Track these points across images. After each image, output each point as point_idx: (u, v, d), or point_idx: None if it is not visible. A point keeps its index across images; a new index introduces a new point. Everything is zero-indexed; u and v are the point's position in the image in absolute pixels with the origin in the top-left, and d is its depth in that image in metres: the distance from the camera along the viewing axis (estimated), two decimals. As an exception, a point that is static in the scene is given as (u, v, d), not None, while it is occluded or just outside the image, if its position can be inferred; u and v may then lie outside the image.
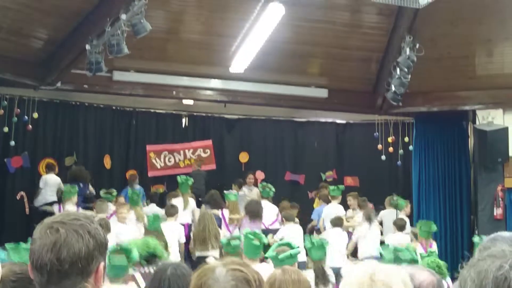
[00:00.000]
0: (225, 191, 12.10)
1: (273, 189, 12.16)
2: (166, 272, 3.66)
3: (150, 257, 6.32)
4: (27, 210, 12.00)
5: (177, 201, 11.37)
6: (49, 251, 2.06)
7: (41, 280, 2.10)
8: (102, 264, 2.17)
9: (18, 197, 12.05)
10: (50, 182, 11.96)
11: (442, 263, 7.04)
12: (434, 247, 10.64)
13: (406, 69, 10.40)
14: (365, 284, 1.91)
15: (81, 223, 2.14)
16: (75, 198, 11.20)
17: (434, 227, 10.58)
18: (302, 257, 7.70)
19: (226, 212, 11.43)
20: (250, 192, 13.34)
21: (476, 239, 6.30)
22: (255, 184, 13.55)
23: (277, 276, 3.71)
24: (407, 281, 1.94)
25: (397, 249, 6.67)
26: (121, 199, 11.75)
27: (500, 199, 12.05)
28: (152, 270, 6.19)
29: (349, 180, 14.65)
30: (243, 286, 2.01)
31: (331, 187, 12.41)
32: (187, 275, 3.63)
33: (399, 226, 10.68)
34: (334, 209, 11.53)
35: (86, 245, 2.09)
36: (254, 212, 10.69)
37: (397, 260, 6.25)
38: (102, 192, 12.00)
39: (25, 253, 6.04)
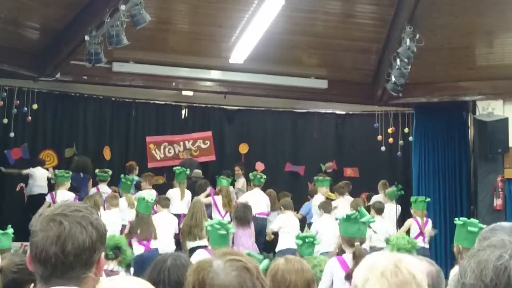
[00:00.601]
0: (217, 176, 12.16)
1: (264, 177, 12.16)
2: (166, 263, 3.64)
3: (116, 250, 6.35)
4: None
5: (174, 192, 11.44)
6: (53, 244, 2.05)
7: (43, 273, 2.08)
8: (103, 254, 2.17)
9: (17, 189, 12.06)
10: (36, 176, 11.95)
11: (410, 243, 7.06)
12: (429, 225, 10.75)
13: (406, 60, 10.37)
14: (389, 270, 1.98)
15: (83, 214, 2.13)
16: (68, 184, 11.15)
17: (428, 199, 11.11)
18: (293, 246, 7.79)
19: (218, 198, 11.47)
20: (237, 183, 13.33)
21: (457, 221, 6.29)
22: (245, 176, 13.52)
23: (280, 266, 3.69)
24: (424, 273, 2.05)
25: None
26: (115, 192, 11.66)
27: (500, 189, 12.05)
28: (119, 269, 6.17)
29: (349, 171, 14.68)
30: (245, 275, 2.00)
31: (317, 178, 12.38)
32: (186, 265, 3.61)
33: (378, 209, 10.69)
34: (320, 200, 11.46)
35: (89, 237, 2.09)
36: (242, 218, 10.50)
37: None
38: (97, 171, 11.96)
39: (6, 239, 6.08)
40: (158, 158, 14.10)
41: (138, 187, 12.29)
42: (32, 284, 3.07)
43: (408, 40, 10.19)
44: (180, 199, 11.33)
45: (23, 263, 3.20)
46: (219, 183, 11.64)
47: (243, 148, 14.76)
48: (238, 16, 11.05)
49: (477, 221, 6.19)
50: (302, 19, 11.25)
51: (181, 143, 14.31)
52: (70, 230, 2.07)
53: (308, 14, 11.15)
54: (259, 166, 14.36)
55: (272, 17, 10.48)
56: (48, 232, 2.07)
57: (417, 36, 10.23)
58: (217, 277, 1.97)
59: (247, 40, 11.22)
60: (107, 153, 13.67)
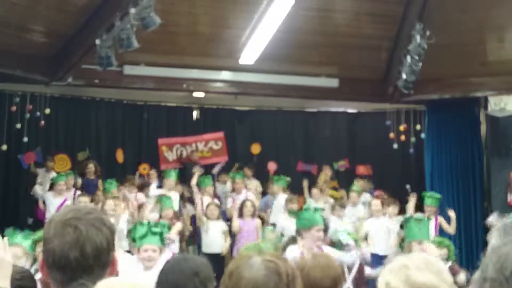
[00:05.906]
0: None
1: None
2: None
3: None
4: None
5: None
6: (72, 248, 2.05)
7: (63, 278, 2.08)
8: (116, 253, 2.21)
9: (32, 193, 12.12)
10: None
11: None
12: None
13: (417, 57, 10.34)
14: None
15: (95, 216, 2.15)
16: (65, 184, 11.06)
17: (439, 195, 10.55)
18: None
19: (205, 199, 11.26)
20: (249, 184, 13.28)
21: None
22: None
23: (307, 262, 3.54)
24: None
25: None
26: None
27: (513, 185, 12.01)
28: None
29: (362, 169, 14.63)
30: (274, 277, 2.06)
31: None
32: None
33: None
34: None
35: (105, 237, 2.12)
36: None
37: None
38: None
39: None
40: (171, 160, 14.13)
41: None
42: None
43: (418, 37, 10.16)
44: None
45: (24, 270, 3.27)
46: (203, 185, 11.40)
47: (255, 148, 14.75)
48: (248, 17, 11.06)
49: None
50: (312, 18, 11.25)
51: (193, 144, 14.35)
52: (87, 233, 2.08)
53: (318, 13, 11.15)
54: (272, 166, 14.38)
55: (282, 17, 10.48)
56: (64, 237, 2.07)
57: (428, 33, 10.19)
58: (248, 270, 2.08)
59: (257, 40, 11.23)
60: (119, 156, 13.72)
